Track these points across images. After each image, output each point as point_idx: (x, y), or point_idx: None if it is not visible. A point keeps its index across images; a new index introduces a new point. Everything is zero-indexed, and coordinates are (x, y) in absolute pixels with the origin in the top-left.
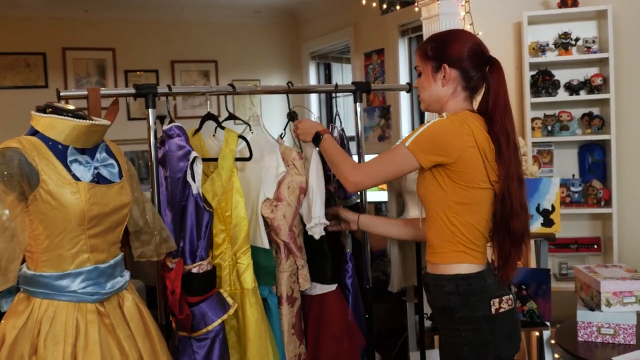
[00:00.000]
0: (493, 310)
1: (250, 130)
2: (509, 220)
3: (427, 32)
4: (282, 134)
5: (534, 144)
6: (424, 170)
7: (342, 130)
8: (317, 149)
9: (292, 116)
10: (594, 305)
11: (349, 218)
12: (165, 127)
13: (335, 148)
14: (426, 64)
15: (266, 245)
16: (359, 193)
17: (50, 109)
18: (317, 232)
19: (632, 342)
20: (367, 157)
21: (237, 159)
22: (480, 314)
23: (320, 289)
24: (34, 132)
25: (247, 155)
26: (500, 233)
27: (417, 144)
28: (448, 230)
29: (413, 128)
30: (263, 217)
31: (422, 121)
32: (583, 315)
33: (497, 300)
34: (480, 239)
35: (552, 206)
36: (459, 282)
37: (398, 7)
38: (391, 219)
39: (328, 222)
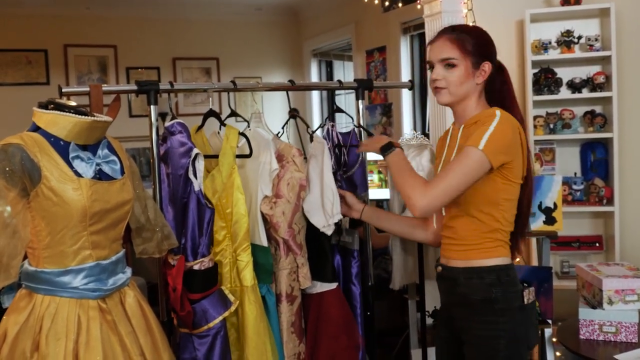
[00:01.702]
0: (525, 301)
1: (249, 127)
2: (525, 213)
3: (429, 29)
4: (279, 132)
5: (536, 142)
6: None
7: (359, 126)
8: (328, 146)
9: (293, 114)
10: (595, 303)
11: (355, 206)
12: (167, 123)
13: (405, 164)
14: (466, 58)
15: (264, 243)
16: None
17: (52, 105)
18: (330, 229)
19: (634, 340)
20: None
21: (238, 156)
22: (516, 304)
23: (321, 287)
24: (36, 129)
25: (248, 152)
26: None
27: (491, 145)
28: (490, 227)
29: (415, 125)
30: (262, 213)
31: (423, 119)
32: (585, 313)
33: (526, 291)
34: (509, 233)
35: (554, 204)
36: (500, 273)
37: (400, 5)
38: (398, 215)
39: (343, 217)
